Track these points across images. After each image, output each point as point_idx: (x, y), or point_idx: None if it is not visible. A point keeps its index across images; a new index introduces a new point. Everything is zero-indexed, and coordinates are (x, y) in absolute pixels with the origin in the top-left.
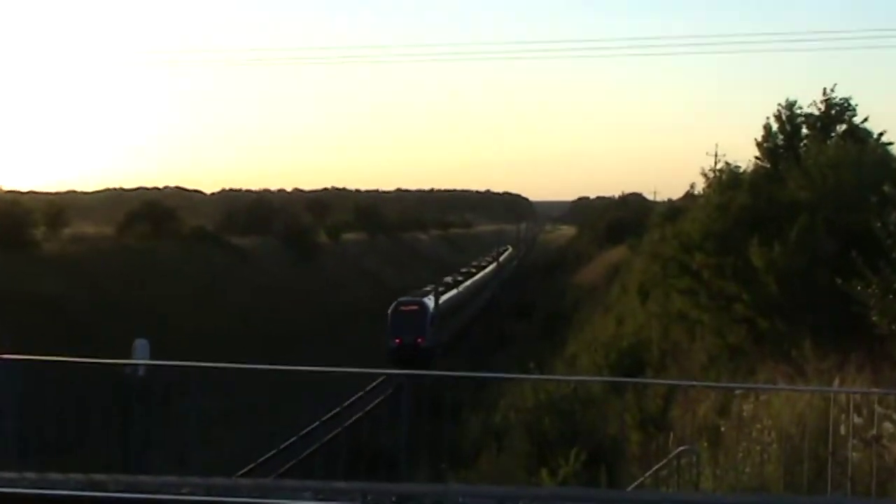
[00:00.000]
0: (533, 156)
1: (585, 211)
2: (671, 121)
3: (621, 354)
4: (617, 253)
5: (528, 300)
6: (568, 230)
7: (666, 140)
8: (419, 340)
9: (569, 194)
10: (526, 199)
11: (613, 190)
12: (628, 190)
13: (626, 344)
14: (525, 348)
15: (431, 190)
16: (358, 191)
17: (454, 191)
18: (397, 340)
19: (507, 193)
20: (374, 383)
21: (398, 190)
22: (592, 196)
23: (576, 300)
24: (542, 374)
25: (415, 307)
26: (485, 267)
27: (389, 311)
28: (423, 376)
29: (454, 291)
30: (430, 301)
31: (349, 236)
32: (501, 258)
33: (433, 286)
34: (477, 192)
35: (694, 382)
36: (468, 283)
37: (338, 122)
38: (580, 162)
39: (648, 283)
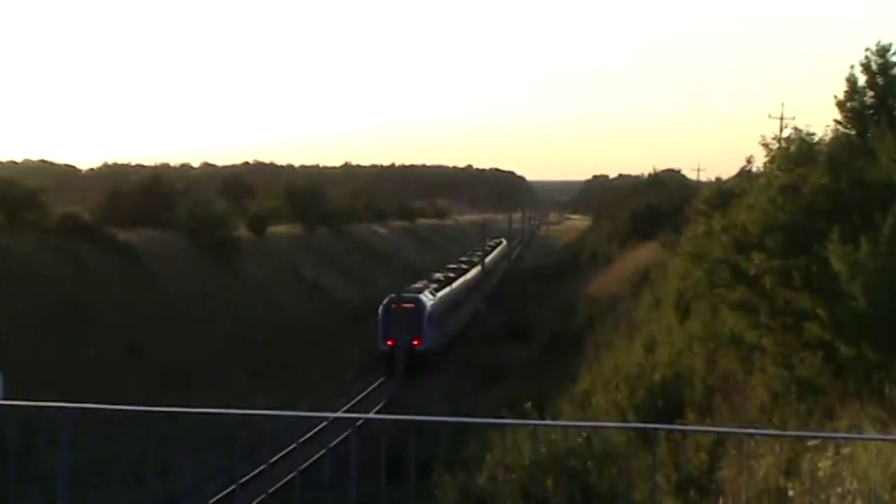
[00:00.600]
0: (530, 119)
1: (602, 195)
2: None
3: (652, 392)
4: (646, 252)
5: (524, 316)
6: (579, 221)
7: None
8: (415, 343)
9: (579, 172)
10: (521, 179)
11: (641, 166)
12: (662, 166)
13: (659, 377)
14: (520, 382)
15: (392, 166)
16: (291, 167)
17: (422, 167)
18: (389, 342)
19: (495, 171)
20: (312, 431)
21: (346, 166)
22: (612, 174)
23: (590, 317)
24: (542, 418)
25: (410, 304)
26: (464, 271)
27: (380, 309)
28: (381, 421)
29: (454, 285)
30: (427, 297)
31: (279, 229)
32: (488, 258)
33: (424, 282)
34: (455, 168)
35: (751, 430)
36: (467, 277)
37: (262, 72)
38: (595, 127)
39: (689, 293)
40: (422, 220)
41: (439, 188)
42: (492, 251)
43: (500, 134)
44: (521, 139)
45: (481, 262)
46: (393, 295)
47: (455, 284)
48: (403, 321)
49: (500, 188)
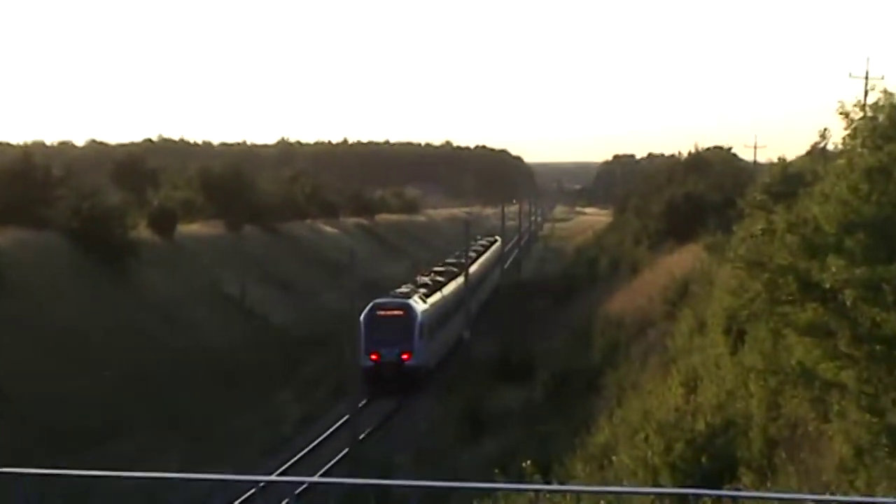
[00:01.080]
0: (529, 82)
1: (627, 181)
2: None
3: (694, 446)
4: (685, 258)
5: (523, 346)
6: (595, 216)
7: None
8: (404, 357)
9: (595, 151)
10: (517, 161)
11: (678, 143)
12: (706, 142)
13: (704, 427)
14: (517, 434)
15: (343, 144)
16: (208, 146)
17: (384, 146)
18: (373, 357)
19: (483, 150)
20: (239, 500)
21: (283, 144)
22: (640, 154)
23: (610, 346)
24: (548, 481)
25: (398, 311)
26: (456, 274)
27: (362, 318)
28: (330, 486)
29: (445, 291)
30: (417, 303)
31: (192, 228)
32: (475, 264)
33: (410, 286)
34: (428, 147)
35: (828, 497)
36: (460, 281)
37: (167, 19)
38: (616, 92)
39: (743, 313)
40: (384, 216)
41: (407, 173)
42: (481, 253)
43: (489, 101)
44: (517, 108)
45: (464, 269)
46: (377, 300)
47: (447, 290)
48: (390, 331)
49: (489, 173)
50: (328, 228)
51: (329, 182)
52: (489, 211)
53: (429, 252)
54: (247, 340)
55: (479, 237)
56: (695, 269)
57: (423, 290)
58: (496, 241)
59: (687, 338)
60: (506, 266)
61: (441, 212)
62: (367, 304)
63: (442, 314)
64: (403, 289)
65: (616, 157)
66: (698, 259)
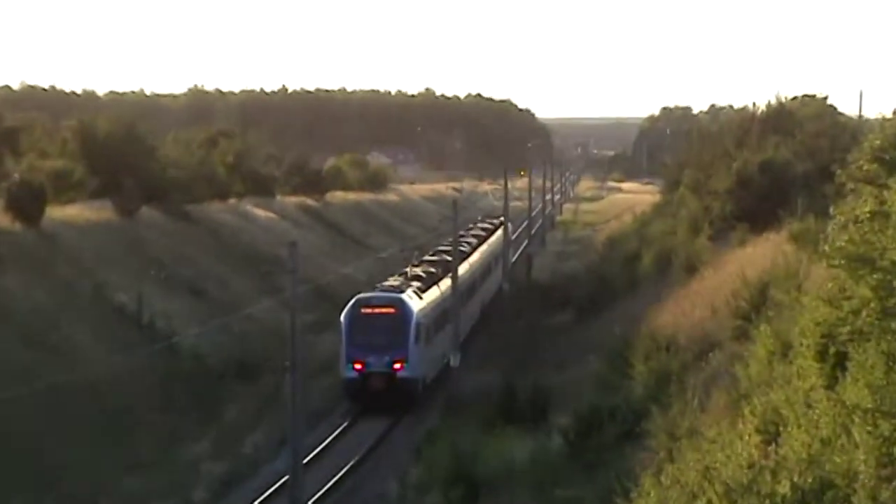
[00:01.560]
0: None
1: (679, 145)
2: None
3: None
4: (762, 252)
5: (533, 377)
6: (635, 193)
7: None
8: (396, 366)
9: (636, 105)
10: (528, 116)
11: (750, 92)
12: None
13: (790, 489)
14: (526, 501)
15: (281, 92)
16: (90, 95)
17: (339, 94)
18: (357, 366)
19: (480, 101)
20: None
21: (196, 92)
22: (698, 107)
23: (658, 376)
24: None
25: (388, 308)
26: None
27: (343, 317)
28: None
29: (444, 284)
30: (411, 298)
31: (68, 212)
32: (471, 258)
33: (399, 278)
34: (401, 97)
35: None
36: (470, 262)
37: None
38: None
39: (844, 329)
40: (338, 195)
41: (372, 134)
42: (476, 246)
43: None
44: (525, 43)
45: (451, 267)
46: (362, 294)
47: (446, 284)
48: (379, 334)
49: (486, 133)
50: (260, 212)
51: (262, 147)
52: (486, 186)
53: (401, 240)
54: (145, 370)
55: (480, 219)
56: (776, 267)
57: (417, 284)
58: (500, 225)
59: (765, 365)
60: (511, 262)
61: (420, 188)
62: (349, 301)
63: (441, 313)
64: (392, 281)
65: (665, 111)
66: (781, 254)
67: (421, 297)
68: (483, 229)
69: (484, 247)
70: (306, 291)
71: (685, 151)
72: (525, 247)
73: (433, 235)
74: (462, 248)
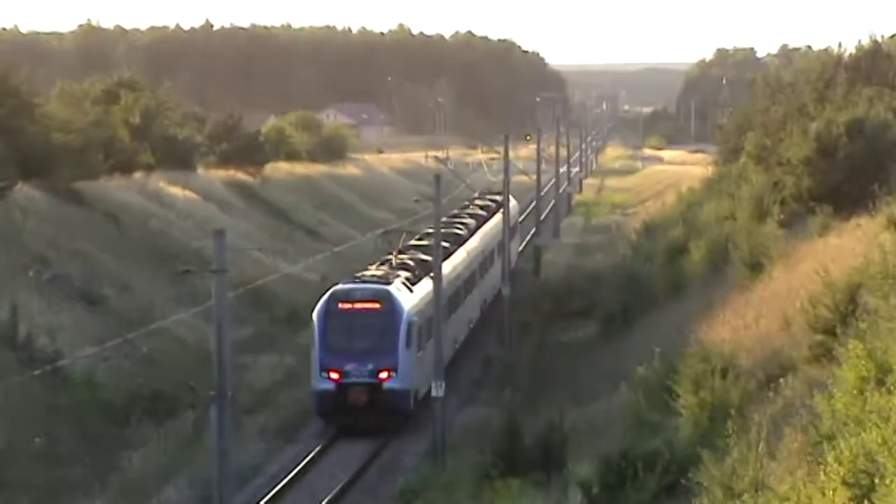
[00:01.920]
0: None
1: (738, 99)
2: None
3: None
4: (851, 244)
5: (543, 413)
6: (679, 162)
7: None
8: (383, 376)
9: (681, 48)
10: (536, 61)
11: (836, 30)
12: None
13: None
14: None
15: (206, 29)
16: None
17: (287, 33)
18: (333, 376)
19: (470, 40)
20: None
21: (87, 29)
22: (764, 50)
23: (710, 410)
24: None
25: (373, 303)
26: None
27: (316, 314)
28: None
29: (445, 270)
30: (400, 291)
31: None
32: (457, 255)
33: (383, 267)
34: (370, 36)
35: None
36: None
37: None
38: None
39: None
40: (281, 168)
41: (326, 86)
42: (481, 223)
43: None
44: None
45: (450, 247)
46: (339, 286)
47: (446, 268)
48: (362, 335)
49: (482, 85)
50: (176, 191)
51: (178, 103)
52: (481, 156)
53: (365, 228)
54: (21, 404)
55: (477, 195)
56: (870, 264)
57: (405, 274)
58: (500, 205)
59: (855, 396)
60: (513, 257)
61: (391, 158)
62: (324, 294)
63: (482, 262)
64: (375, 269)
65: (721, 54)
66: (876, 246)
67: (412, 290)
68: (482, 208)
69: (480, 234)
70: (239, 297)
71: (747, 108)
72: (532, 237)
73: (409, 221)
74: (458, 231)
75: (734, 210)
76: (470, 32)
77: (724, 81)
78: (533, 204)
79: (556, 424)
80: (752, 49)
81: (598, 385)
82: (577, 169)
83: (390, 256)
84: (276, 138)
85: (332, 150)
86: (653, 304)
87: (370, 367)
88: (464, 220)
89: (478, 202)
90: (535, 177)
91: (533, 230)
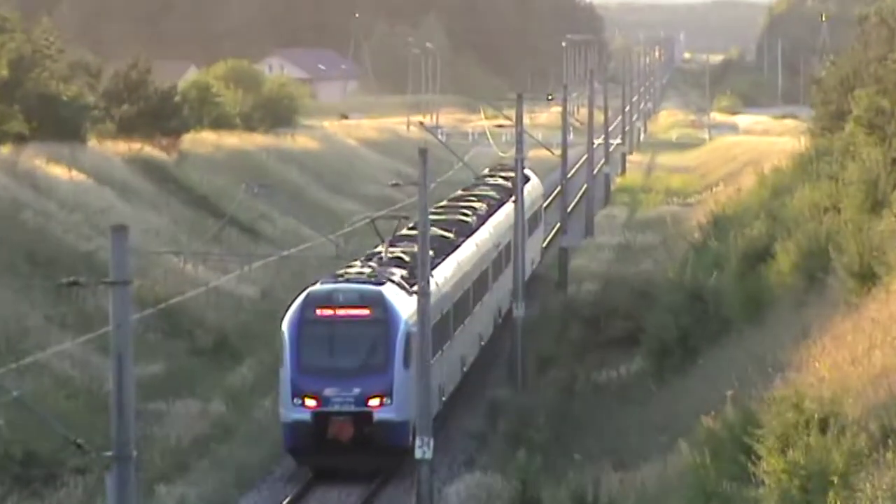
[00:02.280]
0: None
1: (838, 47)
2: None
3: None
4: None
5: (575, 474)
6: (761, 131)
7: None
8: (374, 403)
9: None
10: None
11: None
12: None
13: None
14: None
15: None
16: None
17: None
18: (310, 403)
19: None
20: None
21: None
22: None
23: (811, 479)
24: None
25: (362, 309)
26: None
27: (286, 325)
28: None
29: (447, 266)
30: (397, 293)
31: None
32: (453, 260)
33: (374, 261)
34: None
35: None
36: (472, 248)
37: None
38: None
39: None
40: (206, 138)
41: (267, 24)
42: (491, 209)
43: None
44: None
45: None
46: (314, 287)
47: (448, 269)
48: (347, 350)
49: (485, 23)
50: (60, 171)
51: (61, 47)
52: (484, 122)
53: (324, 224)
54: None
55: (488, 171)
56: None
57: (400, 272)
58: (530, 179)
59: None
60: (535, 256)
61: (359, 124)
62: (295, 298)
63: (442, 319)
64: (360, 266)
65: None
66: None
67: (410, 293)
68: (497, 188)
69: (497, 218)
70: (147, 320)
71: (856, 56)
72: (555, 234)
73: (386, 214)
74: (464, 218)
75: (838, 199)
76: None
77: (824, 19)
78: (557, 189)
79: (590, 497)
80: None
81: (648, 442)
82: (618, 141)
83: (379, 250)
84: (199, 98)
85: (277, 114)
86: (723, 331)
87: (357, 391)
88: (472, 204)
89: (490, 181)
90: (559, 152)
91: (557, 225)
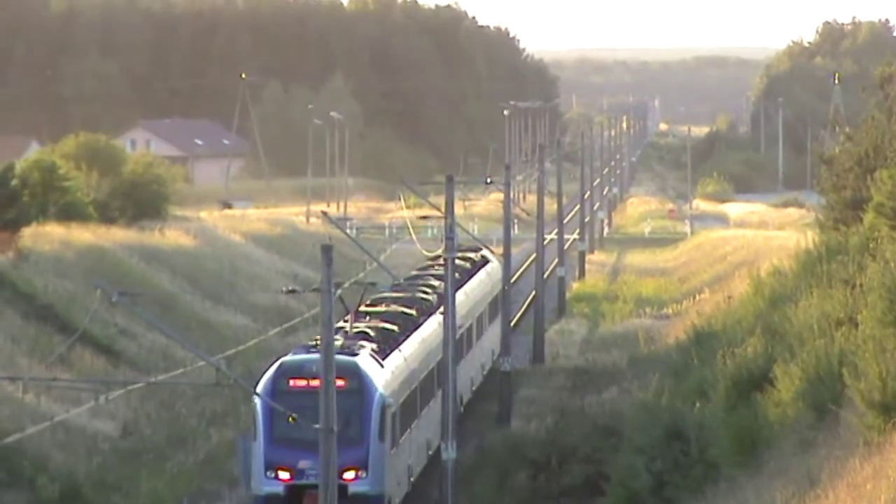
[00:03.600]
0: None
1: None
2: None
3: None
4: None
5: None
6: (757, 223)
7: None
8: (349, 475)
9: (754, 28)
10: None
11: None
12: None
13: None
14: None
15: None
16: None
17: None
18: (283, 474)
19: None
20: None
21: None
22: None
23: None
24: None
25: (338, 381)
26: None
27: (260, 392)
28: None
29: (413, 342)
30: (371, 365)
31: None
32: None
33: (342, 332)
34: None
35: None
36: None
37: None
38: None
39: None
40: (50, 233)
41: (130, 88)
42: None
43: None
44: None
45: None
46: (287, 357)
47: (414, 345)
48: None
49: (406, 85)
50: None
51: None
52: (405, 212)
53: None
54: None
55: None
56: None
57: (371, 345)
58: (488, 261)
59: None
60: (474, 378)
61: (246, 215)
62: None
63: (411, 394)
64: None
65: (828, 30)
66: None
67: (382, 365)
68: (465, 254)
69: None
70: None
71: (878, 127)
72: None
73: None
74: (425, 297)
75: (854, 309)
76: None
77: (836, 80)
78: (489, 304)
79: None
80: (884, 21)
81: None
82: (575, 236)
83: (344, 325)
84: (43, 182)
85: (142, 202)
86: (709, 478)
87: (334, 461)
88: (430, 283)
89: (433, 272)
90: (500, 251)
91: (495, 350)
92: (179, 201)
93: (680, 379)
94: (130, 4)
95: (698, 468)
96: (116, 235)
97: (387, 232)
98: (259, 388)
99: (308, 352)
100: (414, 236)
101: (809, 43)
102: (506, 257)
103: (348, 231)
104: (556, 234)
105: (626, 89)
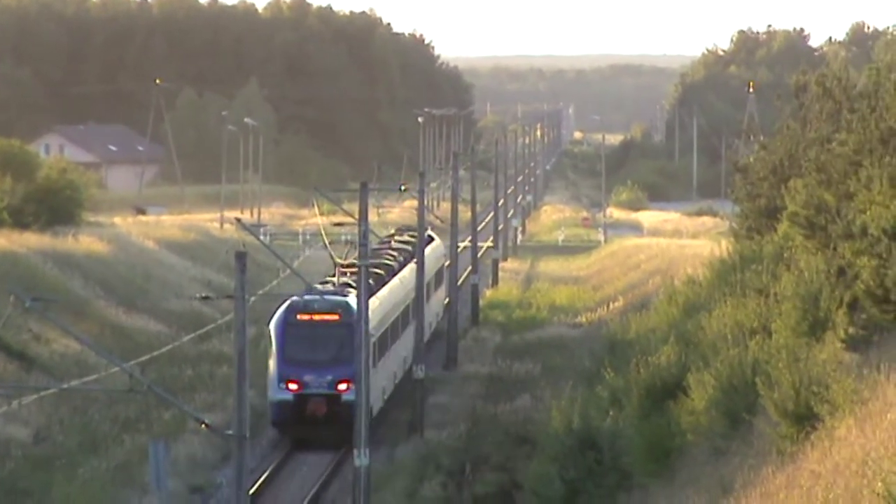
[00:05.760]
0: None
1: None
2: None
3: None
4: None
5: None
6: (671, 232)
7: None
8: (342, 387)
9: (670, 36)
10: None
11: None
12: None
13: None
14: None
15: None
16: None
17: None
18: (292, 386)
19: (299, 7)
20: None
21: None
22: (817, 35)
23: None
24: None
25: (332, 315)
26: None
27: (273, 325)
28: None
29: (394, 283)
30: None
31: None
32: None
33: (331, 283)
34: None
35: None
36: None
37: None
38: None
39: None
40: None
41: (38, 92)
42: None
43: None
44: None
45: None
46: (295, 297)
47: (396, 281)
48: (321, 346)
49: (321, 92)
50: None
51: None
52: (318, 219)
53: (115, 345)
54: None
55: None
56: None
57: (354, 291)
58: (432, 240)
59: None
60: (386, 385)
61: (160, 221)
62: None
63: (392, 322)
64: (327, 284)
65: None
66: None
67: (371, 296)
68: (406, 240)
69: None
70: None
71: (792, 136)
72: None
73: (191, 340)
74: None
75: (768, 318)
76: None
77: (751, 89)
78: (398, 313)
79: None
80: (799, 31)
81: None
82: (488, 243)
83: (331, 278)
84: None
85: (56, 208)
86: (622, 486)
87: (329, 378)
88: (391, 252)
89: (396, 244)
90: (414, 262)
91: (407, 359)
92: (93, 207)
93: (593, 387)
94: (44, 10)
95: (611, 476)
96: (30, 241)
97: (300, 238)
98: (273, 321)
99: (311, 293)
100: (327, 242)
101: (724, 51)
102: (419, 265)
103: (262, 238)
104: (470, 241)
105: (541, 97)
